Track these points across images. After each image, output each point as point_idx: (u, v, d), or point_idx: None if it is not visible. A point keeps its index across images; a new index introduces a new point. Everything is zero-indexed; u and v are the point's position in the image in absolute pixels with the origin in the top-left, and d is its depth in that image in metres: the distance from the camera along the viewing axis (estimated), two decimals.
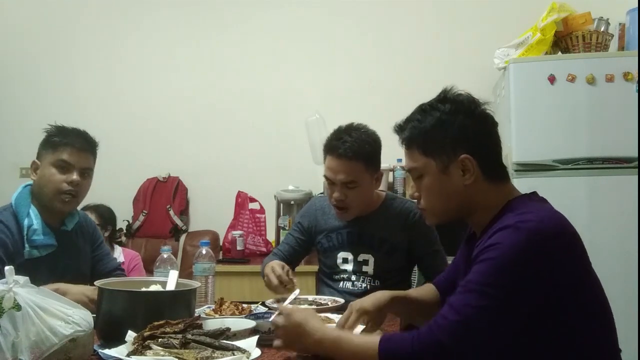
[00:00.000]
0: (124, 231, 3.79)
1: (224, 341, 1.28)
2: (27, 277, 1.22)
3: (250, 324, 1.47)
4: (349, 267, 2.15)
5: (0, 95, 4.14)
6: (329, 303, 1.95)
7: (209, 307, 1.83)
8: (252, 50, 4.01)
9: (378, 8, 3.90)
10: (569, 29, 3.13)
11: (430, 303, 1.58)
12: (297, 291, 1.85)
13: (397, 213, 2.13)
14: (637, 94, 2.85)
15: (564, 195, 2.80)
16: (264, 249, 3.59)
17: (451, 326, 1.14)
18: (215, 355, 1.22)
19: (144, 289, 1.56)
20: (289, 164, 3.82)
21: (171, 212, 3.89)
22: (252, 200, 3.76)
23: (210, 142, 4.01)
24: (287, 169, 3.78)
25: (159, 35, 4.10)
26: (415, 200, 1.43)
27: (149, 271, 2.88)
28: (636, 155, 2.81)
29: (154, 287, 1.58)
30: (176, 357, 1.18)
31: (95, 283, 1.53)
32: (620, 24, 3.23)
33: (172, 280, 1.63)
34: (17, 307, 1.16)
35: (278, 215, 3.52)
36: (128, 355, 1.22)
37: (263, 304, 1.93)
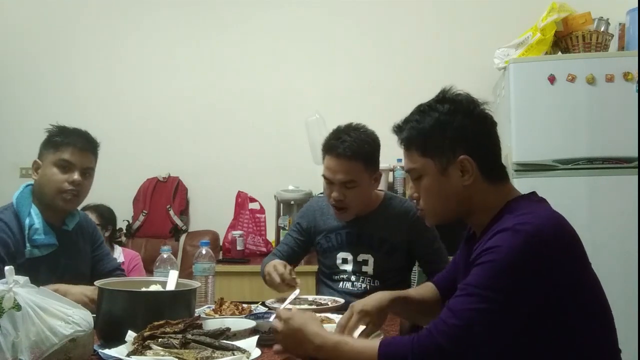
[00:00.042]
0: (124, 231, 3.79)
1: (224, 341, 1.28)
2: (27, 277, 1.22)
3: (250, 324, 1.47)
4: (349, 267, 2.15)
5: (0, 95, 4.14)
6: (329, 303, 1.95)
7: (209, 307, 1.84)
8: (252, 50, 4.01)
9: (378, 8, 3.90)
10: (569, 29, 3.13)
11: (431, 302, 1.58)
12: (297, 291, 1.85)
13: (397, 213, 2.13)
14: (637, 94, 2.85)
15: (564, 195, 2.81)
16: (264, 249, 3.59)
17: (450, 330, 1.13)
18: (215, 355, 1.22)
19: (144, 289, 1.56)
20: (289, 164, 3.82)
21: (171, 212, 3.89)
22: (252, 200, 3.76)
23: (210, 142, 4.01)
24: (287, 169, 3.78)
25: (159, 35, 4.10)
26: (414, 200, 1.43)
27: (149, 271, 2.88)
28: (636, 155, 2.81)
29: (154, 287, 1.59)
30: (176, 357, 1.18)
31: (95, 283, 1.53)
32: (620, 24, 3.23)
33: (172, 280, 1.63)
34: (17, 307, 1.16)
35: (278, 215, 3.52)
36: (128, 355, 1.22)
37: (263, 304, 1.93)
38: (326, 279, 2.23)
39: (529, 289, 1.14)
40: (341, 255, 2.17)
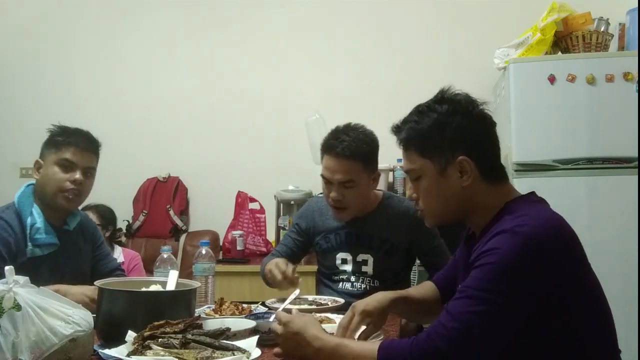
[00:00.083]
0: (124, 231, 3.79)
1: (224, 341, 1.28)
2: (27, 277, 1.22)
3: (250, 324, 1.47)
4: (348, 267, 2.15)
5: (0, 95, 4.14)
6: (329, 303, 1.95)
7: (209, 307, 1.84)
8: (252, 50, 4.01)
9: (378, 8, 3.90)
10: (569, 29, 3.13)
11: (431, 302, 1.58)
12: (297, 291, 1.85)
13: (396, 212, 2.13)
14: (637, 94, 2.85)
15: (564, 195, 2.81)
16: (264, 249, 3.59)
17: (449, 333, 1.13)
18: (215, 355, 1.22)
19: (144, 289, 1.56)
20: (288, 164, 3.82)
21: (171, 212, 3.89)
22: (252, 200, 3.76)
23: (210, 142, 4.01)
24: (287, 169, 3.78)
25: (159, 35, 4.10)
26: (414, 201, 1.43)
27: (149, 271, 2.88)
28: (636, 155, 2.81)
29: (154, 287, 1.58)
30: (176, 357, 1.18)
31: (95, 283, 1.53)
32: (620, 24, 3.23)
33: (172, 280, 1.63)
34: (17, 307, 1.16)
35: (278, 215, 3.52)
36: (128, 355, 1.22)
37: (263, 304, 1.93)
38: (326, 279, 2.23)
39: (528, 291, 1.14)
40: (340, 255, 2.17)
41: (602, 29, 3.17)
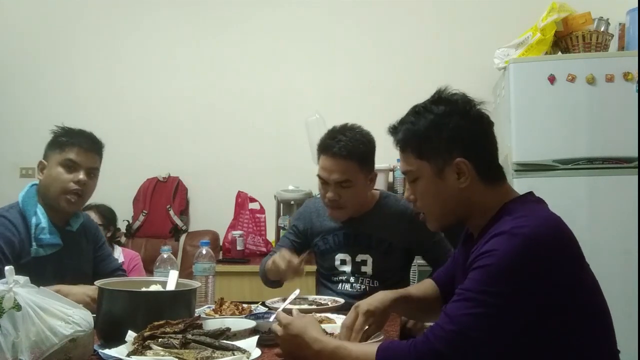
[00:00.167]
0: (124, 232, 3.79)
1: (224, 341, 1.28)
2: (27, 277, 1.22)
3: (250, 324, 1.47)
4: (347, 268, 2.15)
5: (0, 95, 4.14)
6: (329, 303, 1.95)
7: (209, 307, 1.83)
8: (252, 50, 4.01)
9: (378, 8, 3.90)
10: (569, 29, 3.13)
11: (431, 300, 1.58)
12: (297, 291, 1.85)
13: (393, 211, 2.13)
14: (637, 94, 2.85)
15: (564, 195, 2.81)
16: (264, 249, 3.59)
17: (448, 335, 1.13)
18: (215, 355, 1.22)
19: (144, 289, 1.56)
20: (289, 164, 3.82)
21: (171, 212, 3.89)
22: (252, 200, 3.76)
23: (210, 142, 4.01)
24: (287, 169, 3.78)
25: (159, 35, 4.10)
26: (411, 202, 1.42)
27: (149, 271, 2.88)
28: (636, 155, 2.81)
29: (154, 287, 1.58)
30: (176, 357, 1.18)
31: (95, 283, 1.53)
32: (620, 24, 3.23)
33: (172, 280, 1.63)
34: (17, 307, 1.16)
35: (278, 215, 3.52)
36: (128, 355, 1.22)
37: (263, 304, 1.93)
38: (325, 280, 2.22)
39: (527, 292, 1.14)
40: (339, 256, 2.16)
41: (602, 29, 3.17)
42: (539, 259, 1.14)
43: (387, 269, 2.13)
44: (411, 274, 2.39)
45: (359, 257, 2.13)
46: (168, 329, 1.28)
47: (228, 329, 1.34)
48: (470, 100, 1.34)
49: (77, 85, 4.11)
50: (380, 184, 3.11)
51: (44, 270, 1.85)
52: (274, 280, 2.14)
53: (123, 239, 3.61)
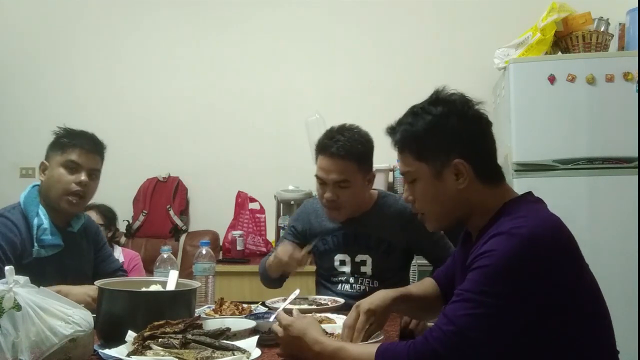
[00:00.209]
0: (124, 232, 3.80)
1: (224, 341, 1.28)
2: (27, 277, 1.22)
3: (250, 324, 1.47)
4: (347, 269, 2.14)
5: (0, 95, 4.14)
6: (329, 303, 1.95)
7: (209, 307, 1.84)
8: (252, 50, 4.01)
9: (378, 8, 3.90)
10: (569, 29, 3.13)
11: (431, 298, 1.58)
12: (297, 291, 1.85)
13: (392, 211, 2.12)
14: (637, 94, 2.85)
15: (564, 195, 2.81)
16: (264, 249, 3.60)
17: (446, 336, 1.13)
18: (215, 355, 1.22)
19: (144, 289, 1.56)
20: (289, 164, 3.82)
21: (171, 212, 3.89)
22: (252, 200, 3.76)
23: (210, 142, 4.01)
24: (287, 169, 3.78)
25: (159, 35, 4.10)
26: (409, 203, 1.42)
27: (149, 271, 2.88)
28: (636, 155, 2.81)
29: (154, 287, 1.58)
30: (176, 357, 1.18)
31: (95, 283, 1.53)
32: (620, 24, 3.23)
33: (172, 280, 1.63)
34: (17, 307, 1.16)
35: (278, 215, 3.52)
36: (128, 355, 1.22)
37: (263, 304, 1.93)
38: (324, 281, 2.22)
39: (526, 292, 1.14)
40: (339, 257, 2.16)
41: (602, 29, 3.17)
42: (537, 259, 1.14)
43: (387, 269, 2.12)
44: (411, 273, 2.39)
45: (359, 258, 2.13)
46: (168, 329, 1.28)
47: (228, 329, 1.34)
48: (469, 100, 1.34)
49: (77, 85, 4.11)
50: (380, 184, 3.11)
51: (45, 271, 1.85)
52: (275, 280, 2.14)
53: (123, 239, 3.61)
